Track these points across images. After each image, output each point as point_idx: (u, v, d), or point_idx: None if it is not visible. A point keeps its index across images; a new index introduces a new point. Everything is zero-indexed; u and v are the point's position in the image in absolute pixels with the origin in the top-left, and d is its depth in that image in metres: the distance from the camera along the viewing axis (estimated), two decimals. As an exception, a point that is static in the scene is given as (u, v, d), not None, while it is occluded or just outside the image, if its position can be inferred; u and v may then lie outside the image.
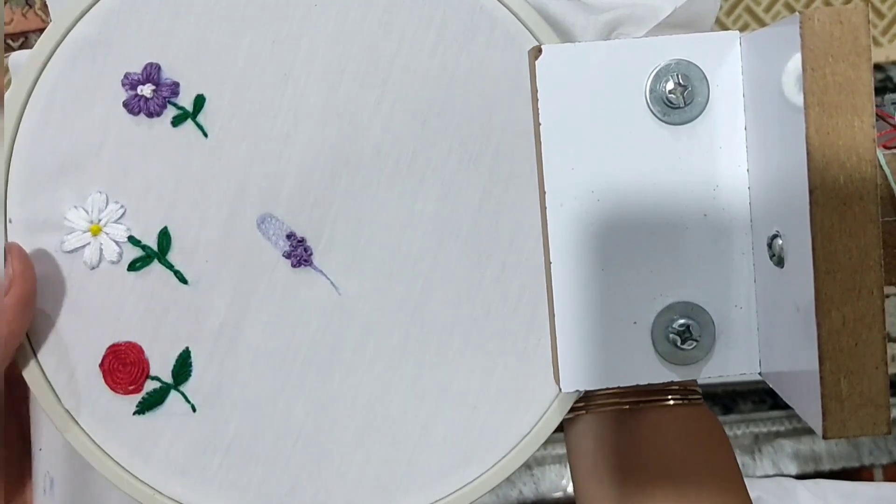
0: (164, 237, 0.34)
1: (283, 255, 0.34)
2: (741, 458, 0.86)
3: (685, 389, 0.39)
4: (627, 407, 0.39)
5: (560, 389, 0.32)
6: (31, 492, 0.36)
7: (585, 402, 0.40)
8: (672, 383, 0.39)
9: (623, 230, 0.31)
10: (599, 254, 0.31)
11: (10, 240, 0.33)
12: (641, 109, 0.31)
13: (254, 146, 0.34)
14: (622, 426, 0.39)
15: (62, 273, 0.34)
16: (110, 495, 0.36)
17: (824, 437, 0.26)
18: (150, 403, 0.34)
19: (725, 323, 0.32)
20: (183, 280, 0.34)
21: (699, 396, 0.40)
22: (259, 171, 0.34)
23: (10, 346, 0.33)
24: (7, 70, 0.36)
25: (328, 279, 0.34)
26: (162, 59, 0.33)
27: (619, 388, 0.37)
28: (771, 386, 0.31)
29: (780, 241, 0.28)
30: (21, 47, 0.87)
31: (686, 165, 0.31)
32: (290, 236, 0.34)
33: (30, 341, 0.34)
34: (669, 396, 0.39)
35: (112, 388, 0.34)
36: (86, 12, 0.33)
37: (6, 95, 0.33)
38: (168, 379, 0.34)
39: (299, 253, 0.34)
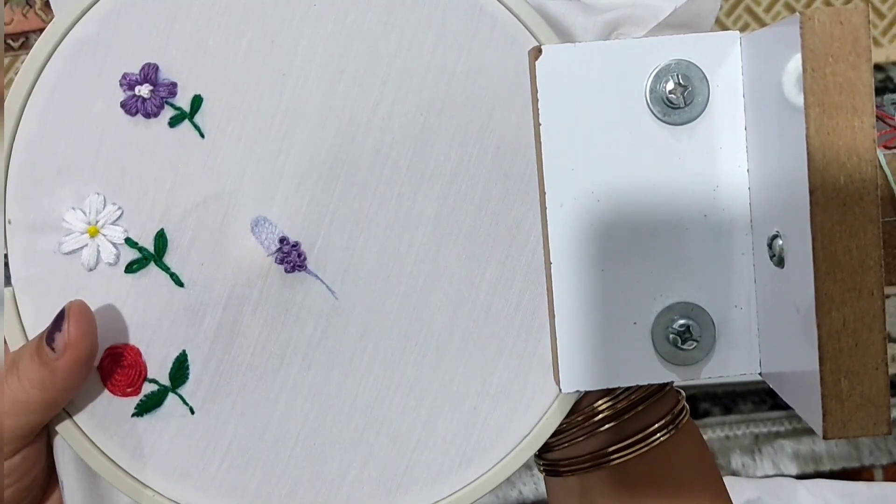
0: (161, 239, 0.34)
1: (276, 261, 0.34)
2: (741, 459, 0.86)
3: (672, 413, 0.37)
4: (614, 462, 0.36)
5: (560, 390, 0.32)
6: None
7: (568, 459, 0.37)
8: (659, 413, 0.36)
9: (623, 230, 0.31)
10: (599, 254, 0.31)
11: (9, 240, 0.33)
12: (641, 110, 0.31)
13: (250, 147, 0.34)
14: (609, 485, 0.37)
15: (60, 275, 0.33)
16: (119, 497, 0.36)
17: (824, 438, 0.26)
18: (149, 406, 0.34)
19: (725, 323, 0.32)
20: (179, 283, 0.34)
21: (686, 414, 0.37)
22: (255, 173, 0.34)
23: (52, 411, 0.33)
24: (7, 70, 0.36)
25: (324, 283, 0.34)
26: (160, 60, 0.33)
27: (601, 433, 0.35)
28: (771, 386, 0.31)
29: (781, 242, 0.28)
30: (21, 47, 0.87)
31: (686, 166, 0.31)
32: (283, 240, 0.34)
33: (28, 343, 0.34)
34: (658, 434, 0.36)
35: (110, 391, 0.34)
36: (85, 13, 0.33)
37: (5, 95, 0.33)
38: (166, 381, 0.34)
39: (292, 258, 0.34)
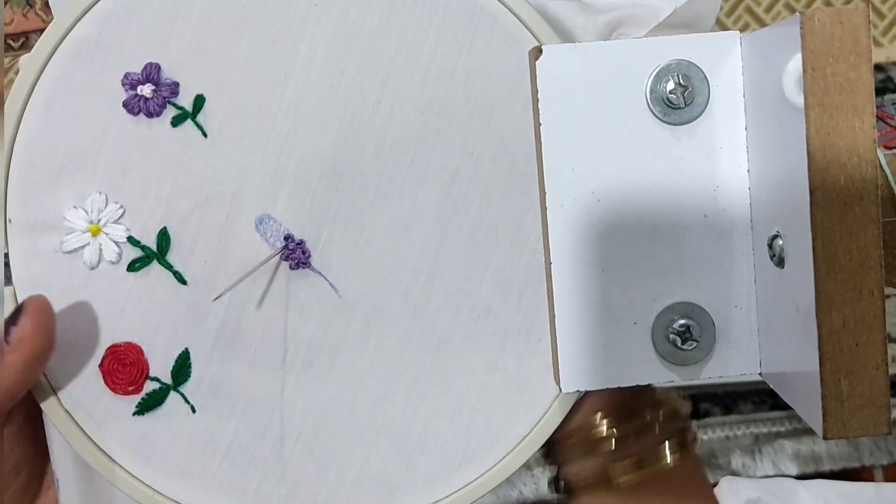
0: (164, 237, 0.34)
1: (282, 258, 0.34)
2: (741, 459, 0.86)
3: (680, 437, 0.36)
4: (619, 483, 0.35)
5: (560, 390, 0.32)
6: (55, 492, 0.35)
7: (575, 483, 0.36)
8: (666, 435, 0.36)
9: (623, 231, 0.31)
10: (600, 254, 0.31)
11: (10, 240, 0.33)
12: (642, 110, 0.31)
13: (253, 146, 0.34)
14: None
15: (62, 274, 0.34)
16: (116, 496, 0.36)
17: (825, 438, 0.26)
18: (150, 404, 0.34)
19: (726, 323, 0.32)
20: (182, 280, 0.34)
21: (694, 439, 0.36)
22: (258, 172, 0.34)
23: (3, 406, 0.32)
24: (7, 70, 0.36)
25: (327, 281, 0.34)
26: (162, 59, 0.33)
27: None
28: (771, 386, 0.31)
29: (781, 242, 0.28)
30: (21, 47, 0.87)
31: (686, 166, 0.31)
32: (287, 238, 0.34)
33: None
34: (666, 458, 0.35)
35: (112, 389, 0.34)
36: (86, 12, 0.33)
37: (6, 95, 0.33)
38: (167, 380, 0.34)
39: (297, 255, 0.34)
